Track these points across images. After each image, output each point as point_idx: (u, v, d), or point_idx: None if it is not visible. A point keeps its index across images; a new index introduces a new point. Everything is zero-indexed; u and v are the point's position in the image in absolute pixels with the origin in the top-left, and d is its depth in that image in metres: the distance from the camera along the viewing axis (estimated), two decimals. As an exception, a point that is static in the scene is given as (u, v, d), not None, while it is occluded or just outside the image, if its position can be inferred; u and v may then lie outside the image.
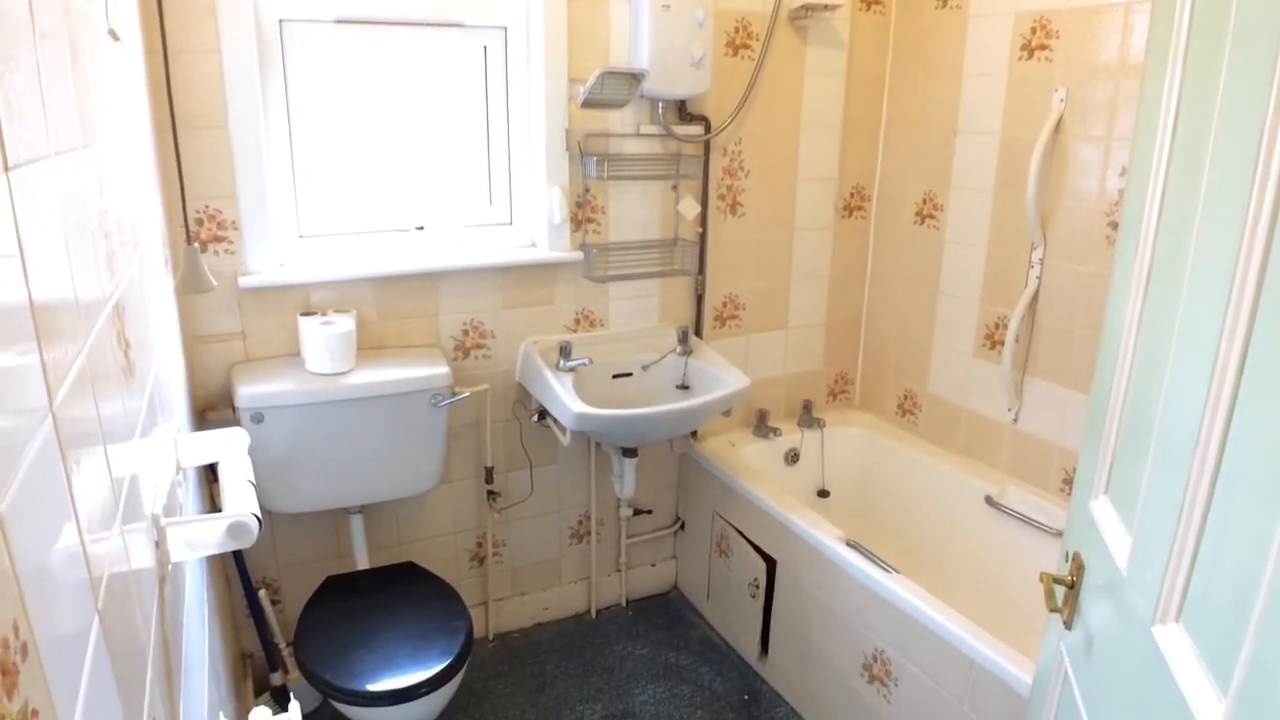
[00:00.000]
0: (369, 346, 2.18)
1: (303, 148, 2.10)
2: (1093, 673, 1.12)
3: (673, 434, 2.42)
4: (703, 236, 2.51)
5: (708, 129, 2.42)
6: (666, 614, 2.72)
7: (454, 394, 2.12)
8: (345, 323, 2.02)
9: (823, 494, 2.84)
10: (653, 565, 2.80)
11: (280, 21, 2.00)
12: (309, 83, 2.07)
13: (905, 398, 2.82)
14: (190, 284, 1.82)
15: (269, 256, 2.04)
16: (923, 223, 2.66)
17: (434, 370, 2.08)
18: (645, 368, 2.39)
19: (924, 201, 2.64)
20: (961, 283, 2.55)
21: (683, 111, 2.38)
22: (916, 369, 2.76)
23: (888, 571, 1.97)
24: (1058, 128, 2.21)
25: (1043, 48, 2.23)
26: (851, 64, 2.63)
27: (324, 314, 2.10)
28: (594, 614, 2.70)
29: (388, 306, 2.19)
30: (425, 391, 2.07)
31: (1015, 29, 2.29)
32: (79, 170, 0.75)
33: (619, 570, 2.73)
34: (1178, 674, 0.83)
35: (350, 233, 2.18)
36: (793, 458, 2.78)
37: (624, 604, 2.76)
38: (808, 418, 2.83)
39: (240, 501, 1.10)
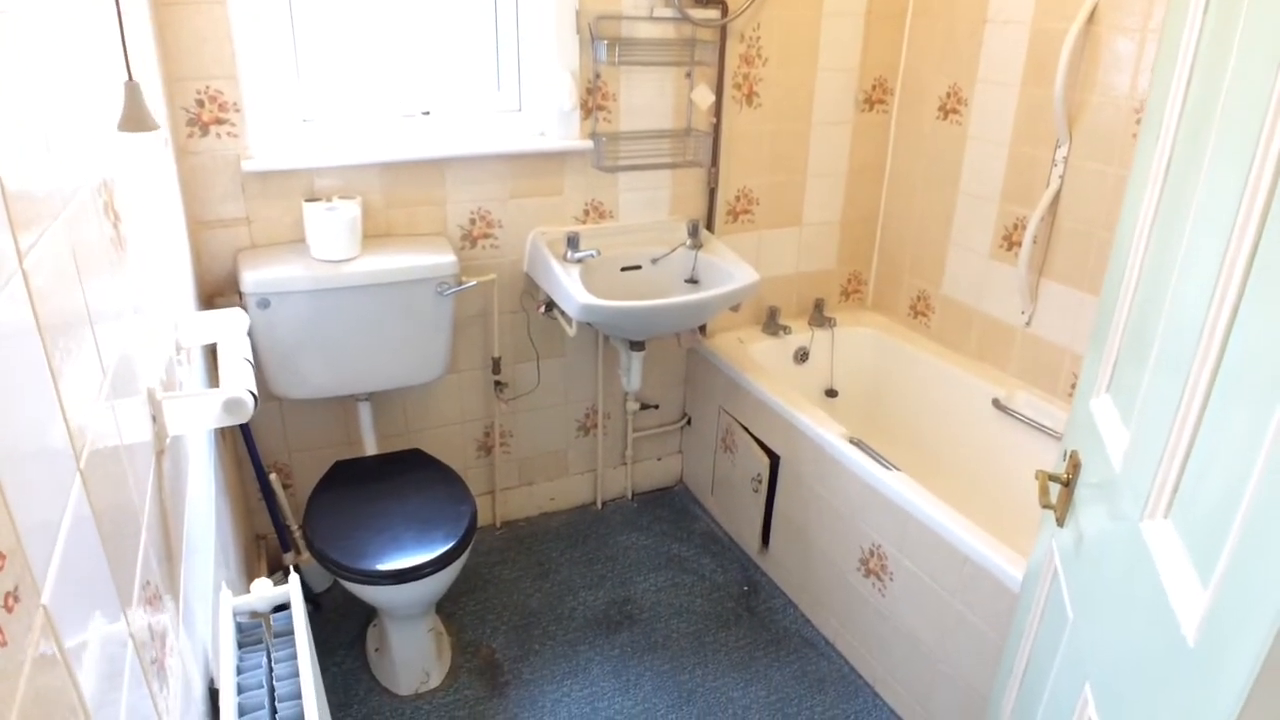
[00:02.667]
0: (375, 234, 2.16)
1: (305, 25, 2.02)
2: (1080, 568, 1.14)
3: (680, 328, 2.42)
4: (716, 127, 2.44)
5: (725, 13, 2.31)
6: (671, 507, 2.78)
7: (460, 283, 2.11)
8: (350, 209, 2.00)
9: (830, 393, 2.85)
10: (658, 460, 2.85)
11: (276, -114, 1.90)
12: (308, -45, 1.98)
13: (918, 299, 2.79)
14: (131, 122, 1.79)
15: (273, 140, 2.00)
16: (945, 118, 2.56)
17: (440, 258, 2.06)
18: (654, 261, 2.37)
19: (948, 96, 2.54)
20: (982, 181, 2.48)
21: (698, -8, 2.27)
22: (931, 270, 2.71)
23: (889, 469, 1.99)
24: (1091, 18, 2.09)
25: (1084, -68, 2.09)
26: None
27: (329, 200, 2.07)
28: (599, 505, 2.76)
29: (394, 193, 2.15)
30: (431, 280, 2.05)
31: (1054, -91, 2.14)
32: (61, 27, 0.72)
33: (625, 464, 2.77)
34: (1161, 568, 0.84)
35: (355, 117, 2.13)
36: (802, 356, 2.77)
37: (629, 496, 2.82)
38: (819, 316, 2.81)
39: (236, 378, 1.11)
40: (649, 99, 2.33)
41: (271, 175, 2.02)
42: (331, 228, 1.96)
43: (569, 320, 2.21)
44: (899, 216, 2.81)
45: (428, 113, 2.19)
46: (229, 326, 1.29)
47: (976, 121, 2.47)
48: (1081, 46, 2.12)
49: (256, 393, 1.08)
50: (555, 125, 2.24)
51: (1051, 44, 2.20)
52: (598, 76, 2.25)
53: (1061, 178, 2.25)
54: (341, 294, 1.98)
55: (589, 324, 2.21)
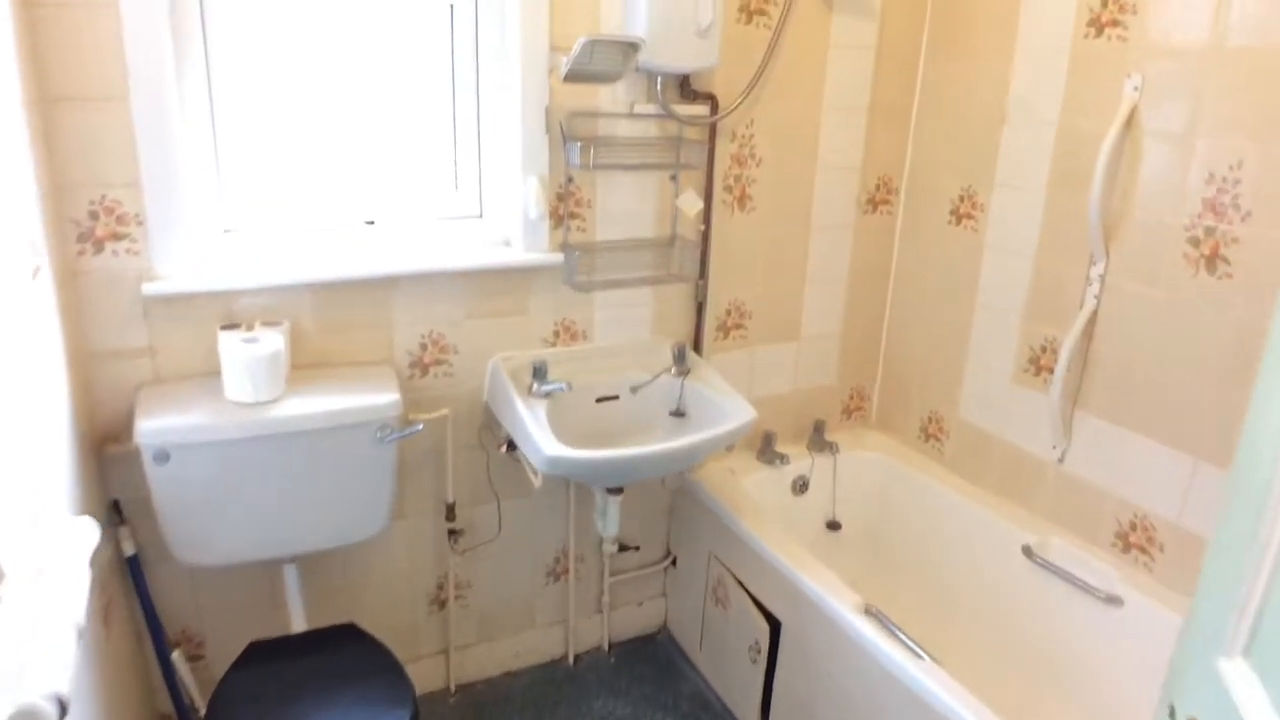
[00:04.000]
0: (307, 364, 1.83)
1: (228, 124, 1.73)
2: None
3: (664, 473, 2.09)
4: (705, 235, 2.15)
5: (714, 109, 2.05)
6: (654, 662, 2.41)
7: (406, 425, 1.78)
8: (272, 340, 1.67)
9: (833, 526, 2.52)
10: (639, 604, 2.49)
11: (197, -34, 1.62)
12: (236, 43, 1.69)
13: (930, 420, 2.49)
14: None
15: (183, 257, 1.68)
16: (959, 223, 2.30)
17: (381, 398, 1.73)
18: (634, 390, 2.05)
19: (961, 199, 2.28)
20: (1002, 295, 2.21)
21: (685, 88, 2.01)
22: (945, 389, 2.42)
23: (917, 655, 1.65)
24: (1129, 121, 1.85)
25: (1115, 24, 1.85)
26: (883, 37, 2.25)
27: (250, 327, 1.74)
28: (572, 660, 2.39)
29: (330, 316, 1.83)
30: (370, 424, 1.72)
31: (1082, 1, 1.91)
32: None
33: (600, 611, 2.41)
34: None
35: (286, 227, 1.82)
36: (801, 486, 2.45)
37: (606, 648, 2.44)
38: (819, 440, 2.50)
39: (39, 670, 0.76)
40: (629, 205, 2.05)
41: (180, 298, 1.70)
42: (249, 364, 1.63)
43: (534, 470, 1.88)
44: (906, 327, 2.52)
45: (372, 222, 1.88)
46: (60, 553, 0.94)
47: (995, 229, 2.21)
48: (1119, 153, 1.87)
49: (67, 699, 0.74)
50: (521, 235, 1.94)
51: (1082, 148, 1.95)
52: (570, 180, 1.96)
53: (1098, 298, 1.98)
54: (260, 444, 1.64)
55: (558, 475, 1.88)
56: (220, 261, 1.76)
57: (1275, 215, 1.64)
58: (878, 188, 2.41)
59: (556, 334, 2.07)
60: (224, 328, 1.73)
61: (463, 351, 1.98)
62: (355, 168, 1.86)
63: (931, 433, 2.49)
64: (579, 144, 1.88)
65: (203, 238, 1.74)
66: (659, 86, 1.94)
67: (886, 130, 2.36)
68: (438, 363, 1.96)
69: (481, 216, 1.99)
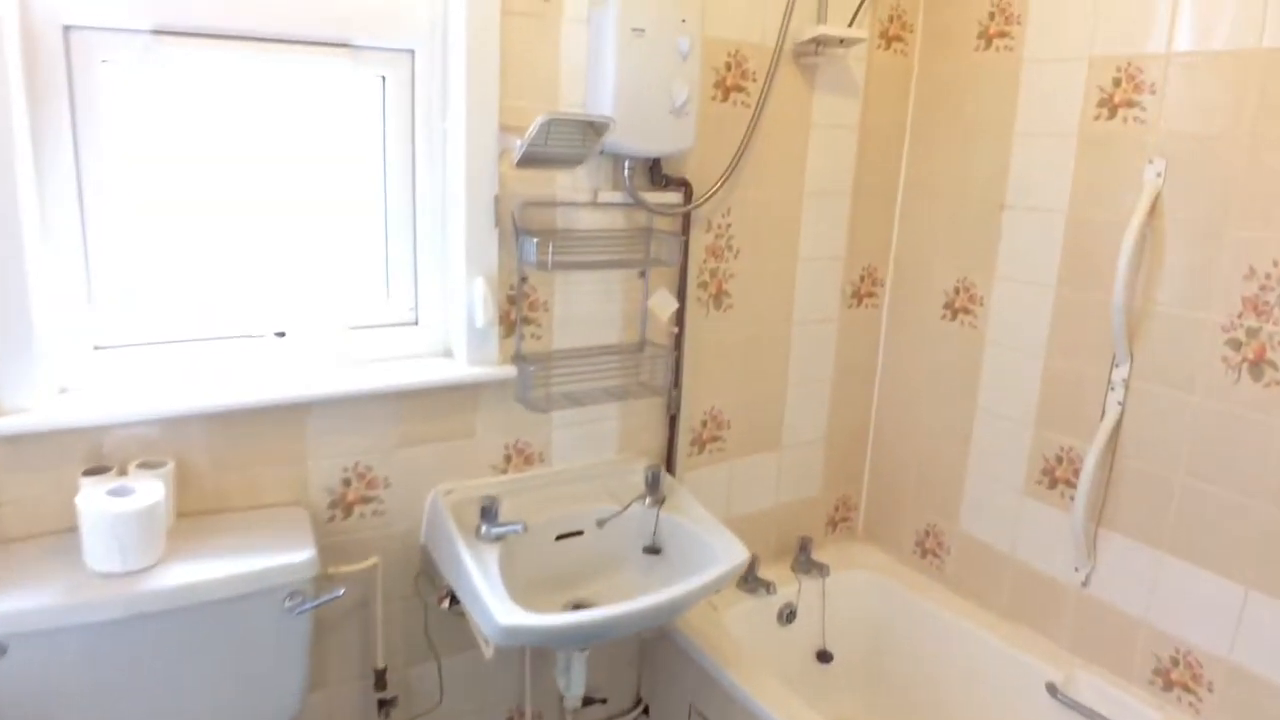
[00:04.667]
0: (198, 510, 1.47)
1: (101, 218, 1.40)
2: None
3: (642, 629, 1.77)
4: (678, 338, 1.88)
5: (688, 197, 1.80)
6: (625, 835, 2.04)
7: (323, 589, 1.42)
8: (148, 491, 1.32)
9: (824, 657, 2.22)
10: (606, 763, 2.12)
11: (65, 29, 1.31)
12: (113, 121, 1.38)
13: (927, 534, 2.22)
14: None
15: (38, 383, 1.33)
16: (954, 317, 2.08)
17: (291, 556, 1.38)
18: (601, 524, 1.74)
19: (957, 291, 2.06)
20: (1008, 398, 1.98)
21: (655, 173, 1.76)
22: (942, 500, 2.17)
23: None
24: (1152, 210, 1.66)
25: (1130, 105, 1.68)
26: (866, 115, 2.05)
27: (124, 470, 1.39)
28: (528, 839, 2.00)
29: (229, 451, 1.49)
30: (276, 590, 1.37)
31: (1090, 78, 1.74)
32: None
33: (562, 777, 2.04)
34: None
35: (174, 342, 1.48)
36: (788, 615, 2.15)
37: (568, 820, 2.06)
38: (805, 560, 2.21)
39: None
40: (592, 307, 1.76)
41: (32, 438, 1.34)
42: (116, 524, 1.27)
43: (485, 638, 1.53)
44: (896, 430, 2.28)
45: (283, 334, 1.55)
46: None
47: (997, 325, 1.99)
48: (1142, 245, 1.67)
49: None
50: (465, 345, 1.64)
51: (1097, 238, 1.76)
52: (524, 280, 1.68)
53: (1122, 405, 1.76)
54: (132, 626, 1.27)
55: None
56: (88, 387, 1.41)
57: (1331, 317, 1.45)
58: (862, 278, 2.18)
59: (508, 458, 1.75)
60: (88, 472, 1.37)
61: (395, 485, 1.64)
62: (263, 268, 1.54)
63: (929, 547, 2.23)
64: (534, 239, 1.60)
65: (66, 357, 1.39)
66: (626, 172, 1.68)
67: (871, 216, 2.14)
68: (364, 500, 1.62)
69: (418, 324, 1.68)
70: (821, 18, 1.84)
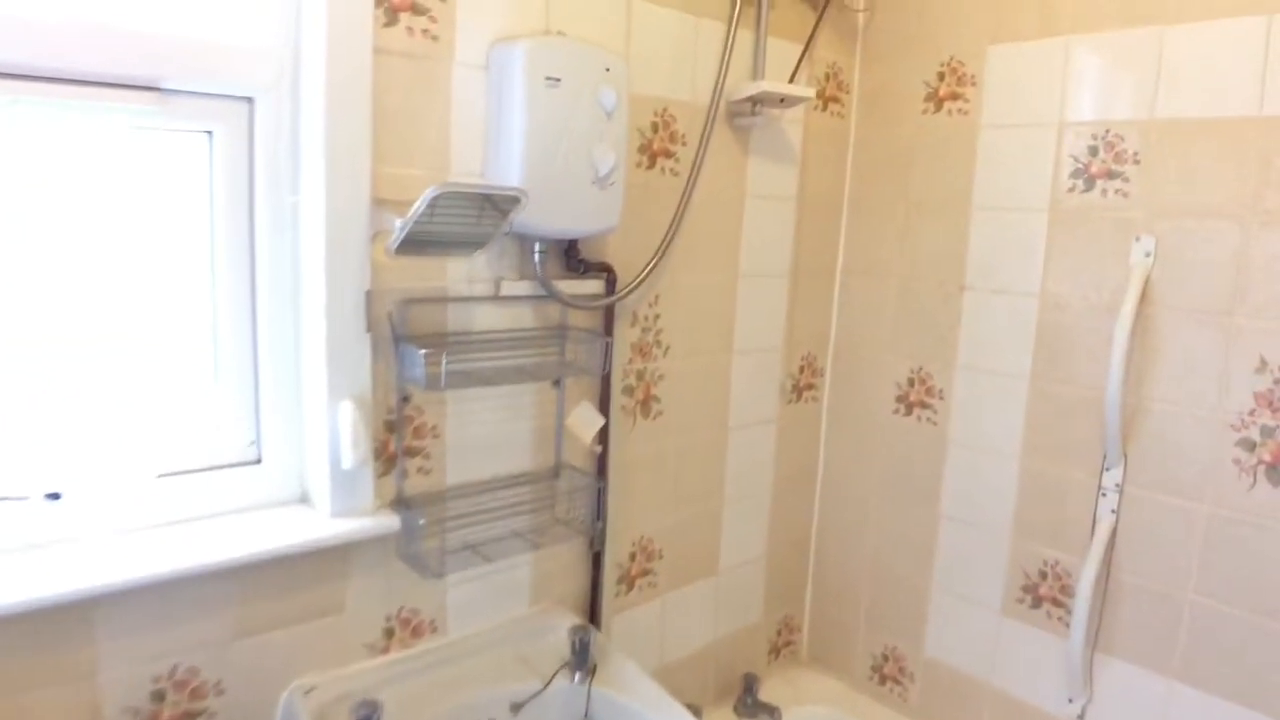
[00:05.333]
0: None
1: None
2: None
3: None
4: (603, 459, 1.52)
5: (612, 286, 1.46)
6: None
7: None
8: None
9: (778, 819, 1.86)
10: None
11: None
12: None
13: (885, 658, 1.93)
14: None
15: None
16: (909, 412, 1.82)
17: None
18: (517, 708, 1.33)
19: (911, 382, 1.81)
20: (979, 505, 1.72)
21: (572, 258, 1.41)
22: (904, 620, 1.88)
23: None
24: (1144, 297, 1.45)
25: (1111, 176, 1.48)
26: (804, 185, 1.79)
27: None
28: None
29: (-32, 674, 1.00)
30: None
31: (1061, 146, 1.54)
32: None
33: None
34: None
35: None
36: (738, 777, 1.78)
37: None
38: (751, 704, 1.86)
39: None
40: (495, 428, 1.38)
41: None
42: None
43: None
44: (843, 541, 1.98)
45: (57, 496, 1.09)
46: None
47: (961, 421, 1.74)
48: (1133, 335, 1.46)
49: None
50: (329, 490, 1.21)
51: (1077, 324, 1.54)
52: (407, 400, 1.28)
53: (1116, 513, 1.53)
54: None
55: None
56: None
57: (1362, 416, 1.26)
58: (802, 369, 1.90)
59: (390, 633, 1.32)
60: None
61: (233, 690, 1.18)
62: (27, 400, 1.08)
63: (889, 674, 1.93)
64: (421, 348, 1.21)
65: None
66: (537, 257, 1.33)
67: (810, 299, 1.87)
68: (189, 715, 1.15)
69: (260, 462, 1.24)
70: (758, 72, 1.57)
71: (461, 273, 1.30)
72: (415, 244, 1.15)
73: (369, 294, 1.20)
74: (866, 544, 1.93)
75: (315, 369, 1.20)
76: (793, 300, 1.83)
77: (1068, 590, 1.61)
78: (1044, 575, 1.64)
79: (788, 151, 1.73)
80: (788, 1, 1.64)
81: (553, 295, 1.37)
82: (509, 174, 1.24)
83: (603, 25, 1.39)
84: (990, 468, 1.70)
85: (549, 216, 1.28)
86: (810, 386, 1.94)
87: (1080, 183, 1.52)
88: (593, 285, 1.45)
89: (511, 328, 1.37)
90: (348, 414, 1.19)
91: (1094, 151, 1.49)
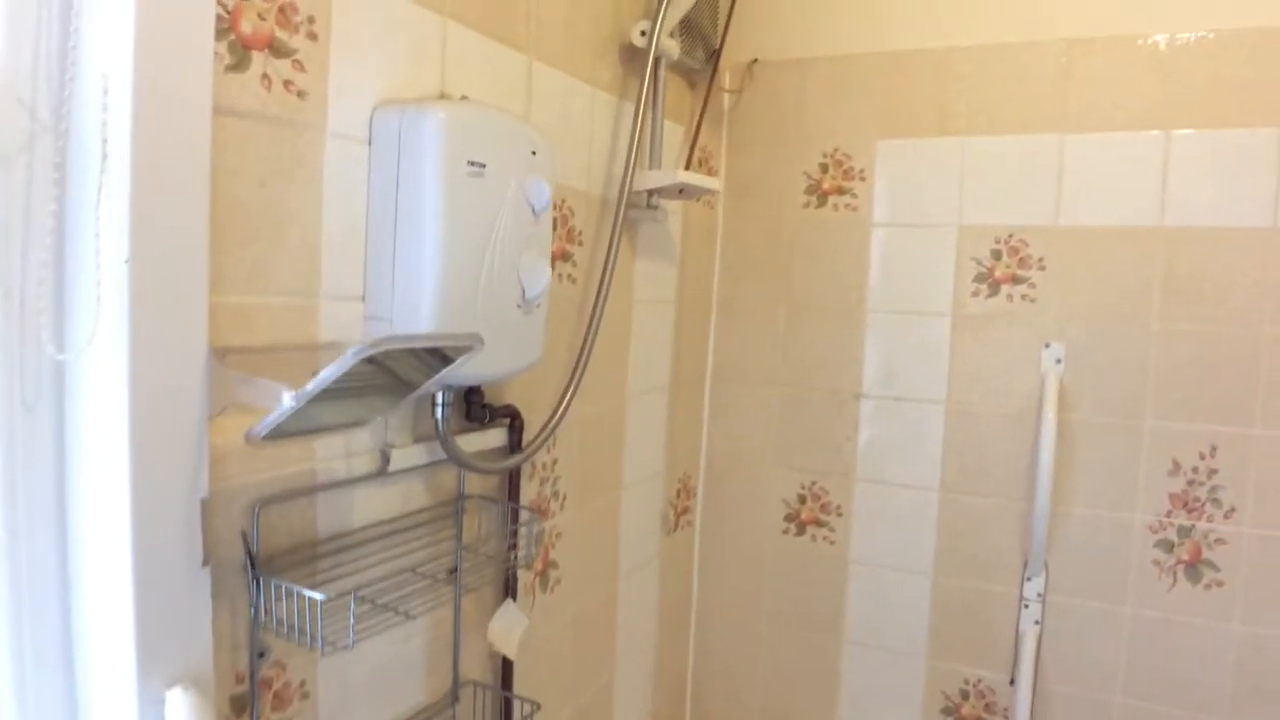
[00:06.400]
0: None
1: None
2: None
3: None
4: (508, 665, 1.12)
5: (517, 435, 1.09)
6: None
7: None
8: None
9: None
10: None
11: None
12: None
13: (785, 812, 1.70)
14: None
15: None
16: (802, 532, 1.64)
17: None
18: None
19: (803, 499, 1.63)
20: (888, 627, 1.58)
21: (473, 405, 1.03)
22: (805, 765, 1.67)
23: None
24: (1061, 403, 1.41)
25: (1017, 280, 1.43)
26: (683, 285, 1.55)
27: None
28: None
29: None
30: None
31: (963, 249, 1.47)
32: None
33: None
34: None
35: None
36: None
37: None
38: None
39: None
40: (380, 663, 0.94)
41: None
42: None
43: None
44: (728, 681, 1.73)
45: None
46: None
47: (863, 540, 1.59)
48: (1051, 441, 1.41)
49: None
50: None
51: (988, 432, 1.47)
52: (263, 657, 0.80)
53: (1040, 623, 1.46)
54: None
55: None
56: None
57: (1267, 508, 1.30)
58: (679, 493, 1.64)
59: None
60: None
61: None
62: None
63: (789, 829, 1.70)
64: (287, 582, 0.76)
65: None
66: (440, 412, 0.93)
67: (686, 412, 1.63)
68: None
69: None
70: (654, 159, 1.31)
71: (337, 446, 0.86)
72: (292, 429, 0.72)
73: (206, 504, 0.73)
74: (756, 682, 1.70)
75: (113, 645, 0.69)
76: (672, 416, 1.57)
77: (993, 708, 1.51)
78: (965, 695, 1.53)
79: (670, 247, 1.49)
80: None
81: (456, 460, 0.97)
82: (414, 298, 0.85)
83: (505, 91, 1.04)
84: (900, 587, 1.56)
85: (469, 356, 0.89)
86: (686, 511, 1.68)
87: (984, 287, 1.45)
88: (495, 436, 1.07)
89: (400, 514, 0.95)
90: (180, 707, 0.70)
91: (997, 256, 1.44)
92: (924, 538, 1.53)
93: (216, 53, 0.70)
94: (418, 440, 0.95)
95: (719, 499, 1.71)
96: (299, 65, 0.78)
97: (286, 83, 0.77)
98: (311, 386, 0.65)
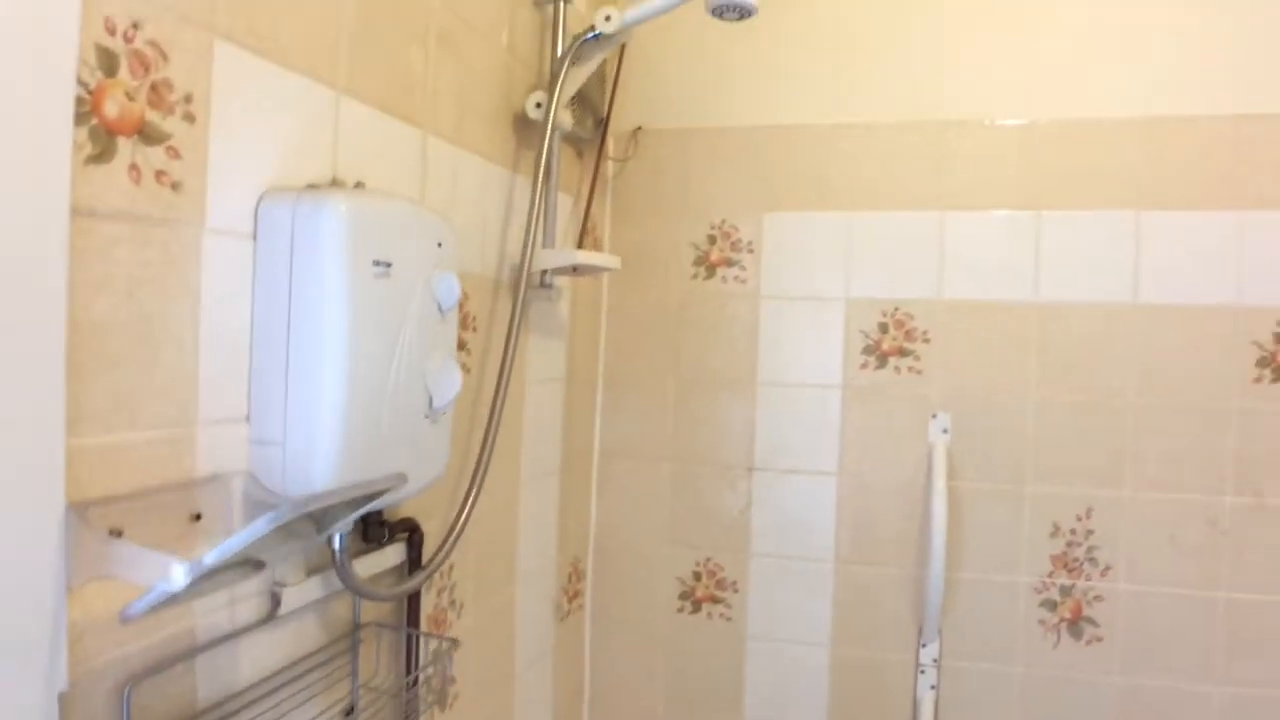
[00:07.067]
0: None
1: None
2: None
3: None
4: (413, 808, 0.99)
5: (416, 551, 0.98)
6: None
7: None
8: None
9: None
10: None
11: None
12: None
13: None
14: None
15: None
16: (698, 609, 1.59)
17: None
18: None
19: (698, 576, 1.58)
20: (787, 702, 1.55)
21: (371, 523, 0.91)
22: None
23: None
24: (951, 473, 1.45)
25: (903, 353, 1.47)
26: (572, 359, 1.48)
27: None
28: None
29: None
30: None
31: (852, 323, 1.49)
32: None
33: None
34: None
35: None
36: None
37: None
38: None
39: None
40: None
41: None
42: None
43: None
44: (625, 772, 1.65)
45: None
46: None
47: (760, 614, 1.56)
48: (942, 509, 1.44)
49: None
50: None
51: (880, 502, 1.49)
52: None
53: (936, 688, 1.48)
54: None
55: None
56: None
57: (1139, 566, 1.39)
58: (570, 577, 1.55)
59: None
60: None
61: None
62: None
63: None
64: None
65: None
66: (338, 542, 0.81)
67: (576, 493, 1.55)
68: None
69: None
70: (549, 236, 1.24)
71: (219, 595, 0.72)
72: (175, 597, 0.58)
73: (65, 698, 0.58)
74: (654, 770, 1.62)
75: None
76: (564, 498, 1.49)
77: (893, 781, 1.51)
78: (867, 770, 1.52)
79: (560, 324, 1.41)
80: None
81: (357, 592, 0.85)
82: (312, 417, 0.73)
83: (401, 171, 0.94)
84: (798, 660, 1.54)
85: (367, 471, 0.78)
86: (577, 595, 1.59)
87: (873, 359, 1.48)
88: (394, 553, 0.95)
89: (291, 660, 0.81)
90: None
91: (884, 328, 1.47)
92: (821, 610, 1.52)
93: (76, 142, 0.57)
94: (311, 573, 0.82)
95: (610, 580, 1.63)
96: (174, 152, 0.65)
97: (159, 173, 0.64)
98: (212, 558, 0.53)
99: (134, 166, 0.62)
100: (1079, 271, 1.37)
